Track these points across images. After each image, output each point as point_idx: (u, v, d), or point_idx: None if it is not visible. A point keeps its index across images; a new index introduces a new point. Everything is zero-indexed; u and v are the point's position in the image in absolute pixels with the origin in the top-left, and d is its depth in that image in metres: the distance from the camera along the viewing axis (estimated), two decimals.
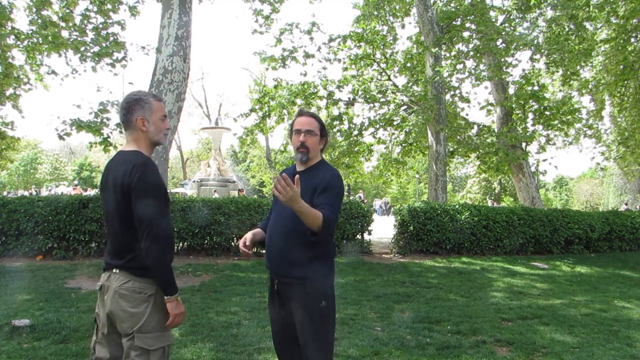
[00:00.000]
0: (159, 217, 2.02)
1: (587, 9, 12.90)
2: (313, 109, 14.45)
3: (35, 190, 37.80)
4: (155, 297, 2.06)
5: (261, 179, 47.76)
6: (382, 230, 12.07)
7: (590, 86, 14.92)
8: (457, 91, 14.83)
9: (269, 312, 2.54)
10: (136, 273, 2.05)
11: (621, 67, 13.48)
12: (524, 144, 14.25)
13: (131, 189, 2.02)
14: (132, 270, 2.06)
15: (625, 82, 14.08)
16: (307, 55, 13.05)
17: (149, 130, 2.17)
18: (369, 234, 10.40)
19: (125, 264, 2.07)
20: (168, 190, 2.42)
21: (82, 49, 7.06)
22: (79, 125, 6.68)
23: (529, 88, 13.60)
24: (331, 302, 2.35)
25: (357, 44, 13.84)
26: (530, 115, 14.31)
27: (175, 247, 9.07)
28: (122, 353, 2.08)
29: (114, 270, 2.09)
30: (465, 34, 13.87)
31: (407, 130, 15.17)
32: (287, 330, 2.39)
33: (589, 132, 15.52)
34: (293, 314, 2.32)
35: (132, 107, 2.16)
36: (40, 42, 7.29)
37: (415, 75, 15.10)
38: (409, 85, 14.83)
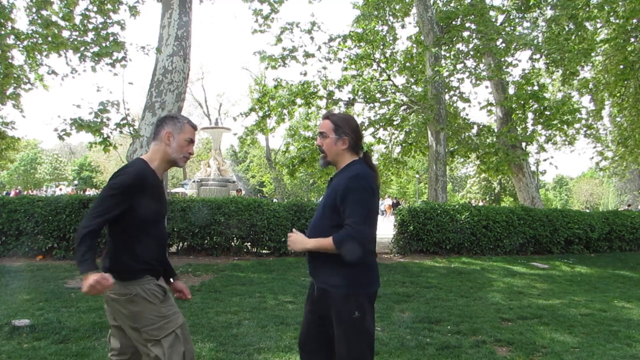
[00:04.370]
0: (91, 212, 2.12)
1: (587, 9, 12.89)
2: (313, 109, 14.47)
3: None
4: (140, 295, 2.17)
5: (261, 178, 47.77)
6: (382, 230, 12.07)
7: (590, 86, 14.92)
8: (457, 91, 14.84)
9: (305, 304, 2.50)
10: (115, 276, 2.14)
11: (621, 67, 13.47)
12: (524, 144, 14.26)
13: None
14: (113, 274, 2.14)
15: (625, 82, 14.06)
16: (307, 55, 13.06)
17: (171, 145, 2.29)
18: None
19: (106, 268, 2.20)
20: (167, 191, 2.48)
21: (82, 49, 7.05)
22: (79, 125, 6.67)
23: (529, 88, 13.60)
24: (367, 313, 2.22)
25: (357, 44, 13.84)
26: (530, 115, 14.32)
27: (175, 247, 9.09)
28: (130, 343, 2.27)
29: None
30: (465, 34, 13.87)
31: (407, 130, 15.18)
32: (312, 332, 2.37)
33: (588, 132, 15.52)
34: (332, 323, 2.27)
35: (165, 121, 2.32)
36: (40, 42, 7.28)
37: (415, 75, 15.11)
38: (409, 85, 14.83)
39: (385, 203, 33.40)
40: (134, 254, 2.21)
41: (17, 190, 38.02)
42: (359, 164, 2.31)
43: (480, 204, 22.61)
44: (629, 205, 25.40)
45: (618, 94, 14.81)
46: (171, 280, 2.47)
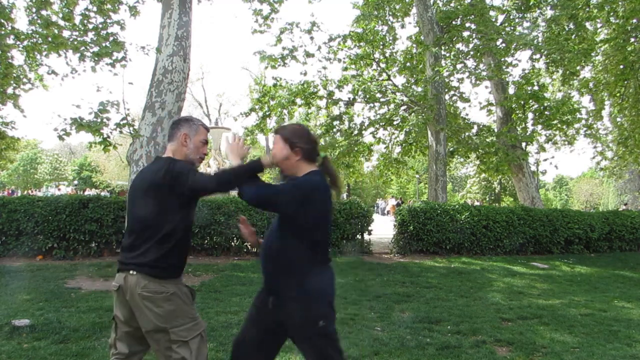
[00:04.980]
0: (198, 176, 2.21)
1: (587, 9, 12.88)
2: (313, 109, 14.47)
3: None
4: (177, 294, 2.19)
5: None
6: (382, 230, 12.07)
7: (590, 86, 14.91)
8: (457, 91, 14.85)
9: (250, 311, 2.41)
10: (152, 273, 2.16)
11: (621, 67, 13.47)
12: (524, 144, 14.25)
13: (165, 182, 2.18)
14: (147, 270, 2.16)
15: (625, 82, 14.05)
16: (307, 55, 13.05)
17: (189, 146, 2.38)
18: (369, 234, 10.40)
19: (141, 266, 2.17)
20: None
21: (82, 49, 7.04)
22: (79, 125, 6.65)
23: (529, 88, 13.59)
24: (330, 319, 2.21)
25: (357, 44, 13.84)
26: (530, 115, 14.31)
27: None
28: (141, 348, 2.26)
29: (131, 272, 2.18)
30: (465, 34, 13.87)
31: (407, 130, 15.18)
32: (254, 335, 2.32)
33: (588, 132, 15.51)
34: (295, 340, 2.25)
35: (181, 123, 2.43)
36: (40, 42, 7.26)
37: (415, 75, 15.10)
38: (409, 85, 14.82)
39: (389, 203, 33.55)
40: (180, 252, 2.26)
41: (10, 191, 37.95)
42: (313, 175, 2.27)
43: (476, 203, 22.58)
44: (625, 205, 25.36)
45: (618, 94, 14.80)
46: None
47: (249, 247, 9.44)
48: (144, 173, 2.36)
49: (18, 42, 7.50)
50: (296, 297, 2.17)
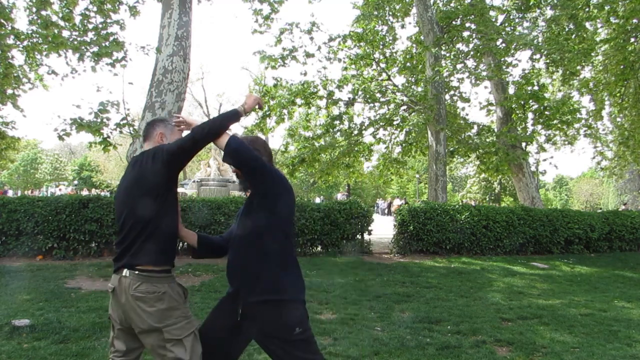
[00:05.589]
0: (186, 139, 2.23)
1: (587, 9, 12.89)
2: (313, 109, 14.47)
3: None
4: (168, 293, 2.19)
5: None
6: (382, 230, 12.07)
7: (590, 86, 14.90)
8: (457, 91, 14.85)
9: (212, 315, 2.37)
10: (144, 273, 2.17)
11: (621, 67, 13.46)
12: (524, 144, 14.26)
13: (158, 158, 2.22)
14: (139, 271, 2.17)
15: (625, 82, 14.04)
16: (308, 55, 13.06)
17: None
18: (369, 234, 10.40)
19: (132, 267, 2.18)
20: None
21: (82, 48, 7.04)
22: (79, 125, 6.66)
23: (529, 88, 13.59)
24: (306, 323, 2.18)
25: (357, 44, 13.85)
26: (530, 115, 14.32)
27: (175, 247, 9.09)
28: (138, 345, 2.27)
29: (124, 273, 2.19)
30: (465, 34, 13.88)
31: (407, 130, 15.18)
32: (217, 338, 2.26)
33: (588, 132, 15.51)
34: (267, 347, 2.21)
35: (156, 124, 2.49)
36: (40, 42, 7.26)
37: (415, 75, 15.11)
38: (409, 85, 14.82)
39: (394, 203, 33.66)
40: (171, 251, 2.28)
41: (3, 191, 37.95)
42: None
43: (473, 203, 22.62)
44: (625, 205, 25.38)
45: (618, 94, 14.79)
46: None
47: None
48: (127, 173, 2.36)
49: (18, 42, 7.50)
50: (267, 302, 2.15)
